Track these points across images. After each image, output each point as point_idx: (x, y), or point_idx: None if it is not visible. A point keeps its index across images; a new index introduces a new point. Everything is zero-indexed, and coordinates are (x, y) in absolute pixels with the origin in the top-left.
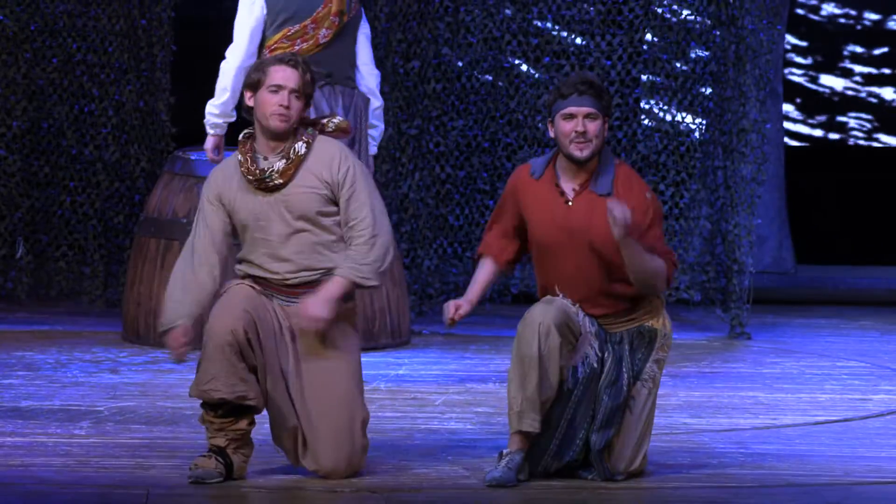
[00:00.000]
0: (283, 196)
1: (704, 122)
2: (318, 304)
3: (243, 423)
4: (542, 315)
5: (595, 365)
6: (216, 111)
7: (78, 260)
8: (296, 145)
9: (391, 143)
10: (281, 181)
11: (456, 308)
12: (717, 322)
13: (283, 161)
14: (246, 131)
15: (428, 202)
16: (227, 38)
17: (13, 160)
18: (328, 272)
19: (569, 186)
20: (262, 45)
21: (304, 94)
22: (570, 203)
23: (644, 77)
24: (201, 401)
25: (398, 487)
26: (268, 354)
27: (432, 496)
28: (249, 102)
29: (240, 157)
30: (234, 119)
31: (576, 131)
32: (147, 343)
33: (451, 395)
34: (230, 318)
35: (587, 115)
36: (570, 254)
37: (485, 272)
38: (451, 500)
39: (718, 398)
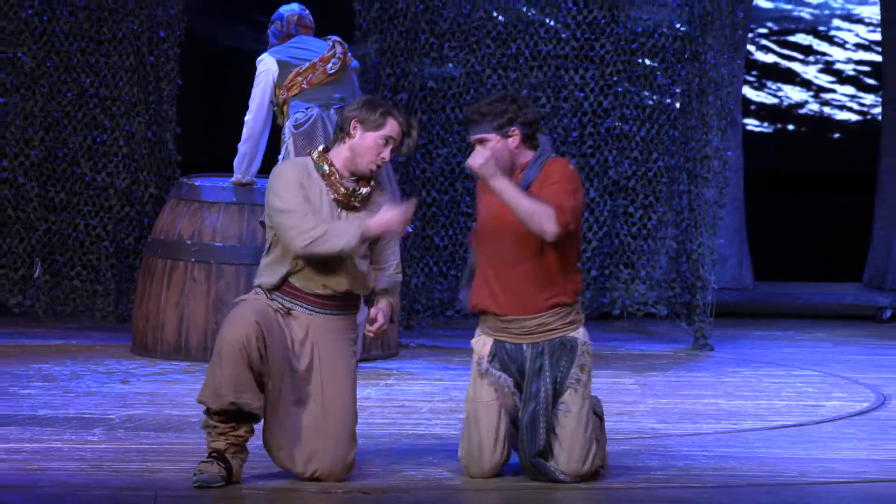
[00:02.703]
0: (356, 216)
1: (671, 148)
2: (382, 315)
3: (242, 430)
4: (480, 403)
5: (526, 375)
6: (238, 176)
7: (91, 279)
8: (372, 182)
9: (382, 171)
10: (359, 205)
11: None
12: (682, 334)
13: (367, 190)
14: (323, 147)
15: (415, 224)
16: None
17: (31, 186)
18: (351, 293)
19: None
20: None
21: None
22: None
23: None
24: (206, 406)
25: (388, 488)
26: (273, 364)
27: (419, 497)
28: (354, 132)
29: (326, 168)
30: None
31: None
32: (155, 355)
33: (436, 403)
34: (242, 327)
35: (478, 141)
36: (502, 240)
37: (472, 265)
38: (437, 500)
39: (683, 405)
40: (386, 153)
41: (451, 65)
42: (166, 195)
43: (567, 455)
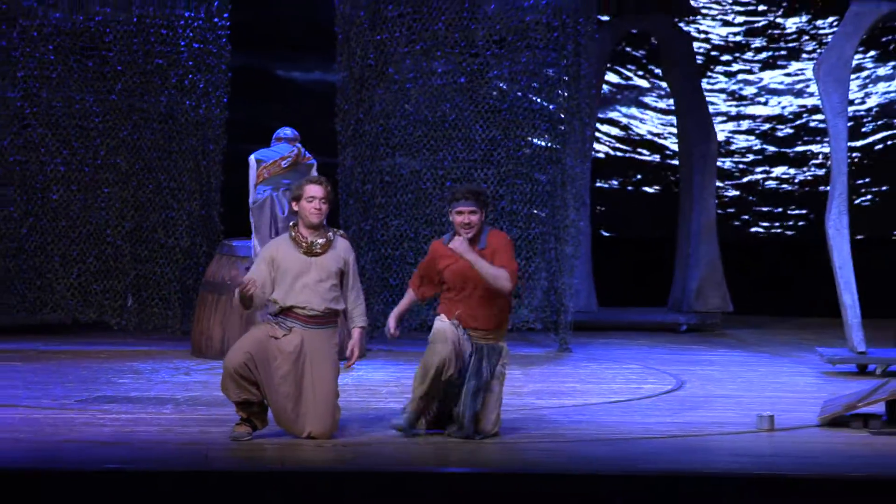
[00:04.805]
0: (320, 259)
1: (543, 213)
2: (356, 347)
3: (254, 408)
4: (444, 350)
5: (467, 362)
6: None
7: (165, 307)
8: (329, 234)
9: (356, 235)
10: (320, 251)
11: (393, 328)
12: (552, 342)
13: (323, 240)
14: (292, 223)
15: (377, 270)
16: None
17: (126, 246)
18: (335, 312)
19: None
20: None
21: (328, 200)
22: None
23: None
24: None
25: (360, 443)
26: (263, 374)
27: (380, 448)
28: (295, 209)
29: (292, 233)
30: None
31: (464, 222)
32: (208, 357)
33: (391, 387)
34: (236, 357)
35: (470, 211)
36: (466, 288)
37: (408, 298)
38: (393, 450)
39: (552, 387)
40: (315, 205)
41: (400, 166)
42: (213, 252)
43: (485, 419)
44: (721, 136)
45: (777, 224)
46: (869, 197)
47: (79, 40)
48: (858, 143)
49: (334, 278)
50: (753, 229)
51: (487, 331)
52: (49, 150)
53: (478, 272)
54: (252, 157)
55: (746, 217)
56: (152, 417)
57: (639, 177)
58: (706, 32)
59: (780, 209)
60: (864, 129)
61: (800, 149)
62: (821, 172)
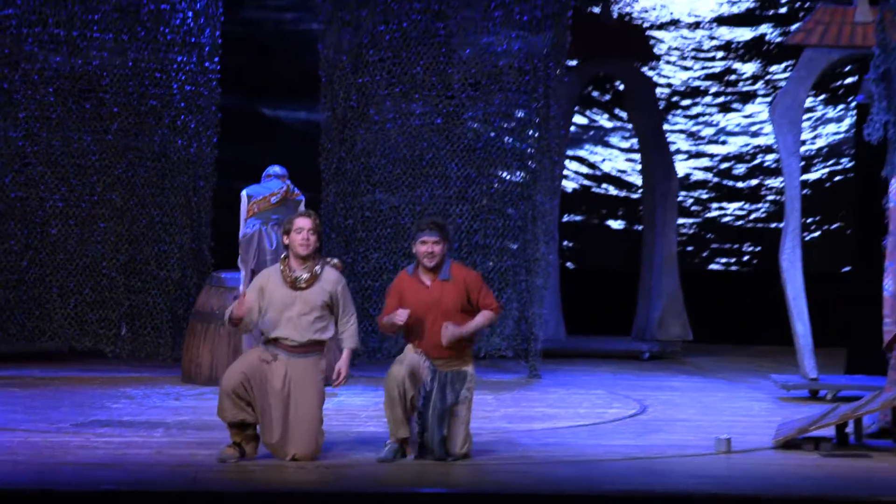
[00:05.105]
0: (304, 293)
1: (514, 246)
2: (343, 367)
3: (247, 430)
4: (398, 371)
5: (429, 390)
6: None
7: (157, 335)
8: (315, 268)
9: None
10: (305, 286)
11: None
12: (522, 368)
13: (307, 275)
14: (284, 255)
15: (358, 301)
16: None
17: (119, 278)
18: (318, 342)
19: (426, 278)
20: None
21: (317, 232)
22: (428, 287)
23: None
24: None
25: (341, 465)
26: (258, 395)
27: (361, 470)
28: (285, 241)
29: (281, 266)
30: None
31: (427, 252)
32: (197, 383)
33: (370, 411)
34: (232, 377)
35: (434, 242)
36: (428, 317)
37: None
38: (371, 471)
39: (523, 412)
40: (303, 236)
41: (380, 202)
42: (203, 283)
43: (453, 441)
44: (681, 172)
45: (734, 258)
46: (818, 233)
47: (77, 83)
48: (810, 179)
49: (319, 311)
50: (712, 263)
51: (450, 358)
52: (48, 187)
53: (477, 331)
54: (244, 193)
55: (705, 251)
56: (144, 440)
57: (604, 212)
58: (668, 77)
59: (736, 245)
60: (813, 169)
61: (754, 184)
62: (773, 209)
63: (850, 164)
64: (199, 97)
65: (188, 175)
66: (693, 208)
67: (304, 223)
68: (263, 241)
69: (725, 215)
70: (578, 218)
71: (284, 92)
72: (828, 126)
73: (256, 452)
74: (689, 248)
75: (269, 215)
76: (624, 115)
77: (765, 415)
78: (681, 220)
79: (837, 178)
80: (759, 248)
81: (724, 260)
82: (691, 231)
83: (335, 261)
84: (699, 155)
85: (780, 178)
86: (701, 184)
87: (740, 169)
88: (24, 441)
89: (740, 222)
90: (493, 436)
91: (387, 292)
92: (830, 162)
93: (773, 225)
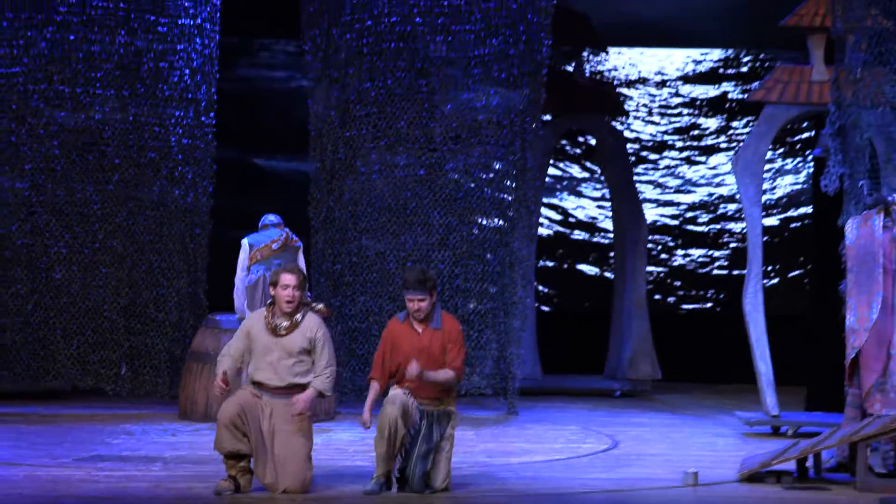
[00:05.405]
0: (283, 340)
1: (493, 290)
2: (302, 399)
3: (243, 462)
4: (392, 410)
5: (418, 429)
6: (238, 314)
7: (155, 374)
8: (296, 316)
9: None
10: (284, 333)
11: (367, 419)
12: (501, 405)
13: (287, 323)
14: (269, 301)
15: (345, 342)
16: (236, 254)
17: (119, 320)
18: (299, 385)
19: (418, 326)
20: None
21: (301, 287)
22: (419, 334)
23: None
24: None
25: (329, 498)
26: (252, 428)
27: (346, 502)
28: (272, 293)
29: (266, 313)
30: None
31: (414, 309)
32: (193, 419)
33: (357, 446)
34: (230, 409)
35: (419, 300)
36: (419, 362)
37: (374, 391)
38: (357, 502)
39: (501, 447)
40: (288, 293)
41: (367, 248)
42: (199, 325)
43: (434, 477)
44: (649, 220)
45: (699, 302)
46: (777, 280)
47: (80, 137)
48: (771, 227)
49: (298, 356)
50: (680, 306)
51: (437, 399)
52: (53, 235)
53: (433, 381)
54: (245, 241)
55: (672, 296)
56: (143, 474)
57: (577, 257)
58: (637, 131)
59: (702, 290)
60: (773, 217)
61: (716, 232)
62: (735, 256)
63: (808, 213)
64: (196, 150)
65: (185, 223)
66: (662, 256)
67: (289, 280)
68: (267, 285)
69: (691, 262)
70: (551, 264)
71: (276, 145)
72: (786, 177)
73: (251, 486)
74: (657, 297)
75: (271, 261)
76: (595, 167)
77: (730, 449)
78: (649, 268)
79: (795, 226)
80: (722, 296)
81: (690, 306)
82: (660, 276)
83: (320, 306)
84: (666, 204)
85: (742, 226)
86: (667, 229)
87: (704, 217)
88: (28, 475)
89: (705, 269)
90: (474, 469)
91: (379, 352)
92: (789, 211)
93: (735, 272)
